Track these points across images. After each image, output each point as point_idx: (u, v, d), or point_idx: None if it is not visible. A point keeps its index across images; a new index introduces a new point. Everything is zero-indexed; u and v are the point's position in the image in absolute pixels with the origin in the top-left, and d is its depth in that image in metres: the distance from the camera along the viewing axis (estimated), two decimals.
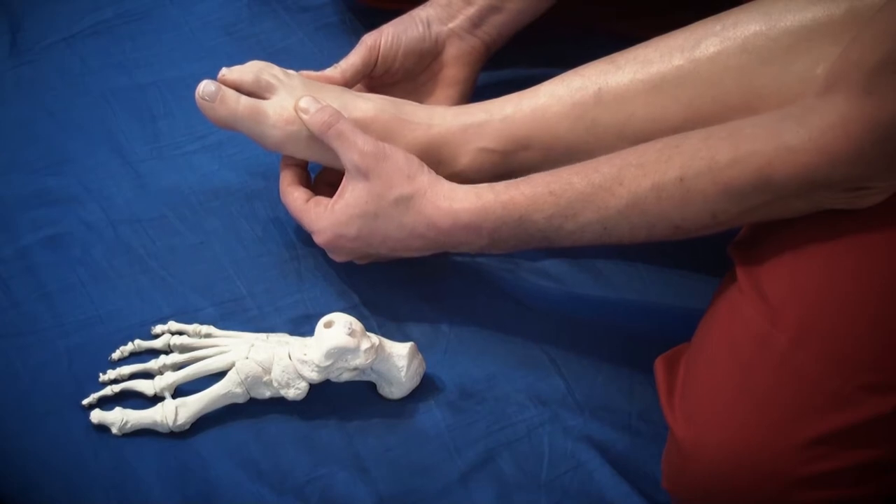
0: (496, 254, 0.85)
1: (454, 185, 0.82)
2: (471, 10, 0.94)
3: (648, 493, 0.80)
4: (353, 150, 0.83)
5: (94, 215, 0.95)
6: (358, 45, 0.92)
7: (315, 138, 0.85)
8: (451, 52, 0.95)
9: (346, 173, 0.84)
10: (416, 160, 0.83)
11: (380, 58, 0.92)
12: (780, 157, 0.69)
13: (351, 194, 0.83)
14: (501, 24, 0.95)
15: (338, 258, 0.88)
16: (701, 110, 0.80)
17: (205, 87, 0.86)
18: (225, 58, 0.90)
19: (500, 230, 0.80)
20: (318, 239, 0.86)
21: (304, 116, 0.85)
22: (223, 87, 0.86)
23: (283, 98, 0.87)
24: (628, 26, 1.01)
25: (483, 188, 0.81)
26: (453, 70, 0.95)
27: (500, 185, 0.80)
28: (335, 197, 0.84)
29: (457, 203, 0.81)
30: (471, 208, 0.80)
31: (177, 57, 1.07)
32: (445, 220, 0.81)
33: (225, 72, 0.88)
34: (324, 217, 0.85)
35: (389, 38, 0.92)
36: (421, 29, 0.93)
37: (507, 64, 1.03)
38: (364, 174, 0.82)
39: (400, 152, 0.83)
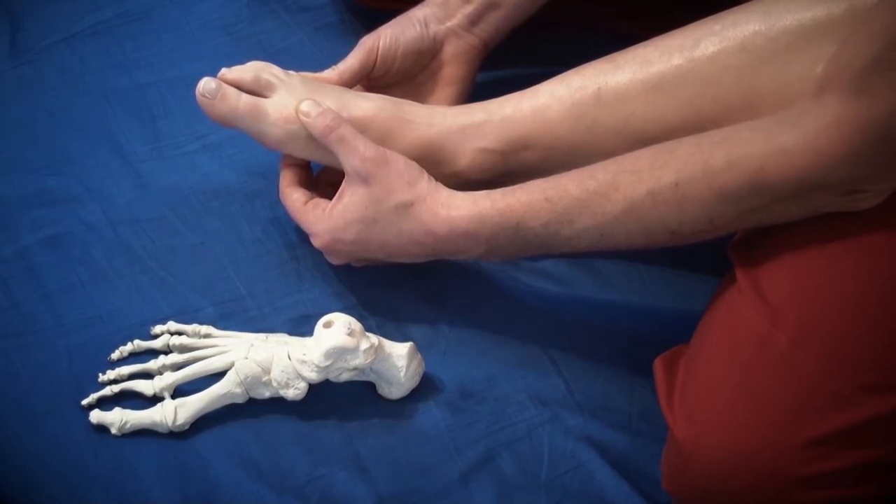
0: (495, 261, 0.85)
1: (453, 193, 0.82)
2: (469, 8, 0.94)
3: (649, 493, 0.80)
4: (354, 154, 0.82)
5: (94, 215, 0.95)
6: (356, 48, 0.92)
7: (315, 139, 0.85)
8: (450, 50, 0.94)
9: (345, 177, 0.84)
10: (416, 166, 0.83)
11: (378, 60, 0.92)
12: (774, 160, 0.69)
13: (350, 199, 0.83)
14: (499, 20, 0.95)
15: (335, 261, 0.88)
16: (701, 110, 0.80)
17: (205, 84, 0.86)
18: (225, 58, 0.90)
19: (498, 237, 0.80)
20: (316, 242, 0.86)
21: (306, 120, 0.85)
22: (224, 85, 0.86)
23: (284, 97, 0.87)
24: (628, 26, 1.01)
25: (480, 195, 0.81)
26: (452, 69, 0.95)
27: (497, 193, 0.80)
28: (334, 200, 0.84)
29: (454, 210, 0.81)
30: (468, 215, 0.80)
31: (177, 57, 1.07)
32: (443, 227, 0.81)
33: (225, 71, 0.88)
34: (322, 220, 0.85)
35: (388, 40, 0.92)
36: (419, 29, 0.93)
37: (506, 64, 1.03)
38: (364, 179, 0.82)
39: (401, 158, 0.83)
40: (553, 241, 0.78)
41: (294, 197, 0.88)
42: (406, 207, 0.82)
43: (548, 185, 0.78)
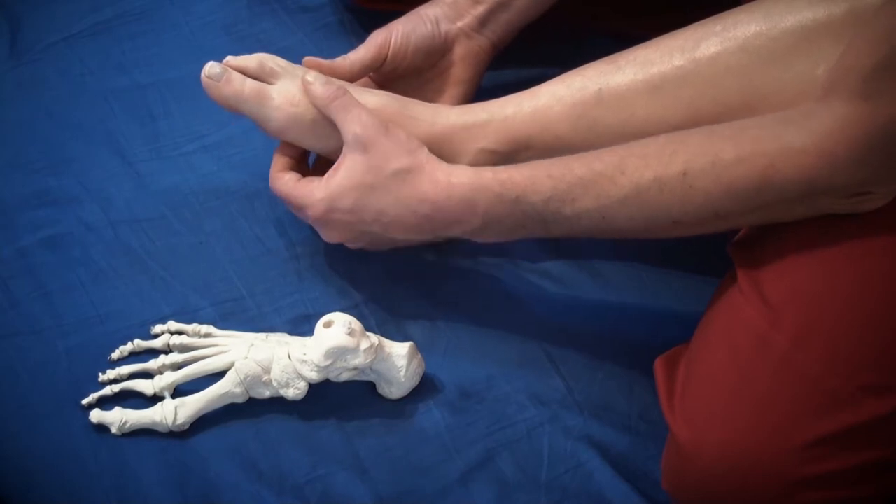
0: (490, 241, 0.84)
1: (453, 164, 0.82)
2: (479, 9, 0.94)
3: (648, 493, 0.80)
4: (355, 121, 0.82)
5: (93, 215, 0.95)
6: (367, 41, 0.92)
7: (318, 123, 0.85)
8: (459, 51, 0.94)
9: (344, 146, 0.83)
10: (416, 139, 0.83)
11: (389, 55, 0.92)
12: (783, 159, 0.70)
13: (348, 166, 0.82)
14: (508, 21, 0.94)
15: (329, 236, 0.87)
16: (701, 111, 0.80)
17: (210, 67, 0.86)
18: (224, 57, 0.90)
19: (495, 209, 0.79)
20: (311, 212, 0.85)
21: (310, 88, 0.84)
22: (229, 69, 0.86)
23: (288, 83, 0.87)
24: (628, 26, 1.01)
25: (482, 167, 0.80)
26: (460, 69, 0.95)
27: (500, 167, 0.80)
28: (331, 170, 0.84)
29: (454, 178, 0.80)
30: (467, 183, 0.80)
31: (176, 57, 1.07)
32: (441, 194, 0.80)
33: (230, 58, 0.88)
34: (318, 189, 0.84)
35: (399, 37, 0.92)
36: (430, 27, 0.93)
37: (508, 64, 1.03)
38: (364, 146, 0.82)
39: (401, 130, 0.83)
40: (552, 219, 0.78)
41: (286, 178, 0.87)
42: (405, 174, 0.81)
43: (552, 162, 0.78)
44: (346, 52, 0.92)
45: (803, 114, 0.70)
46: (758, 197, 0.71)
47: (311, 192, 0.84)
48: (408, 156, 0.81)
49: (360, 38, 0.93)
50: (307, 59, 0.90)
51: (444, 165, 0.81)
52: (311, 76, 0.85)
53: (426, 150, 0.83)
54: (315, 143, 0.88)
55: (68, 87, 1.05)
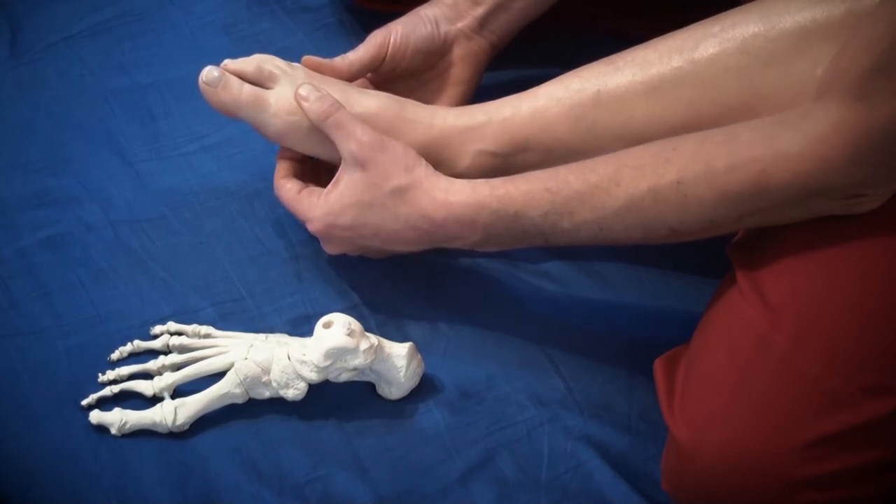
0: (490, 251, 0.85)
1: (451, 179, 0.82)
2: (478, 11, 0.94)
3: (648, 493, 0.80)
4: (351, 139, 0.82)
5: (93, 215, 0.95)
6: (366, 41, 0.92)
7: (316, 130, 0.85)
8: (458, 52, 0.94)
9: (342, 163, 0.84)
10: (413, 153, 0.83)
11: (388, 56, 0.92)
12: (777, 165, 0.70)
13: (346, 184, 0.83)
14: (507, 22, 0.94)
15: (330, 249, 0.87)
16: (700, 112, 0.80)
17: (208, 72, 0.86)
18: (224, 58, 0.90)
19: (495, 225, 0.80)
20: (311, 227, 0.86)
21: (304, 104, 0.84)
22: (226, 74, 0.86)
23: (286, 88, 0.86)
24: (628, 26, 1.01)
25: (479, 182, 0.81)
26: (459, 69, 0.95)
27: (497, 181, 0.80)
28: (330, 186, 0.84)
29: (452, 196, 0.80)
30: (466, 201, 0.80)
31: (176, 57, 1.07)
32: (440, 212, 0.81)
33: (228, 62, 0.88)
34: (317, 206, 0.84)
35: (399, 37, 0.92)
36: (429, 28, 0.93)
37: (508, 64, 1.03)
38: (361, 164, 0.82)
39: (398, 144, 0.83)
40: (551, 232, 0.78)
41: (288, 186, 0.87)
42: (403, 192, 0.81)
43: (548, 175, 0.78)
44: (345, 52, 0.92)
45: (798, 116, 0.70)
46: (752, 202, 0.71)
47: (312, 208, 0.85)
48: (405, 173, 0.81)
49: (360, 38, 0.93)
50: (306, 57, 0.90)
51: (442, 181, 0.82)
52: (305, 89, 0.85)
53: (424, 163, 0.83)
54: (313, 149, 0.88)
55: (68, 87, 1.05)
